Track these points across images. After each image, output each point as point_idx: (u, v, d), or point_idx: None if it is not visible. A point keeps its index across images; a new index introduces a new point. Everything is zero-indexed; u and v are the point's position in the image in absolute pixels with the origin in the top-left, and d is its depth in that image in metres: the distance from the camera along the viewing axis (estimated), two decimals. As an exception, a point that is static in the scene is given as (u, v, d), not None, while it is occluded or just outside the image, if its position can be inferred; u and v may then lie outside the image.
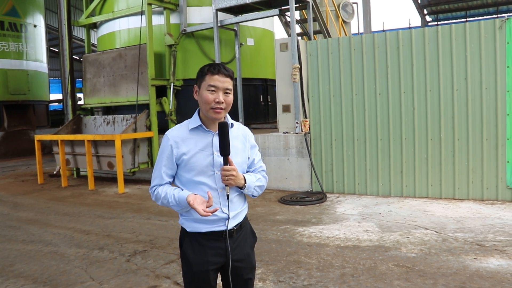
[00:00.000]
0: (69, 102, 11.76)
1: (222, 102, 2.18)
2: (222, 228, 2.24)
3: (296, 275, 4.17)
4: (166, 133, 2.29)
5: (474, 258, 4.36)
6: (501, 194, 6.62)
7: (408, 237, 5.13)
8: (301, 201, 7.21)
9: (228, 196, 2.20)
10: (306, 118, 8.13)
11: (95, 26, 12.24)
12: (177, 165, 2.27)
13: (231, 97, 2.23)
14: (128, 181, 9.89)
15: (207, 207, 2.09)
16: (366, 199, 7.28)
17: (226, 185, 2.17)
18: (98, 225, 6.41)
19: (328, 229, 5.65)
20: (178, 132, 2.27)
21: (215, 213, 2.20)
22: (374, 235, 5.28)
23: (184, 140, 2.24)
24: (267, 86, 12.36)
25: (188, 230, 2.28)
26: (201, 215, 2.09)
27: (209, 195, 2.12)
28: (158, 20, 10.35)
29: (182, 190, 2.22)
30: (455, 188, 6.90)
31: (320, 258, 4.58)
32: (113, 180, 10.25)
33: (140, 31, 9.75)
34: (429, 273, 4.05)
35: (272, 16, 9.87)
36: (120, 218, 6.76)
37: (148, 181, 9.98)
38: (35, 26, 19.16)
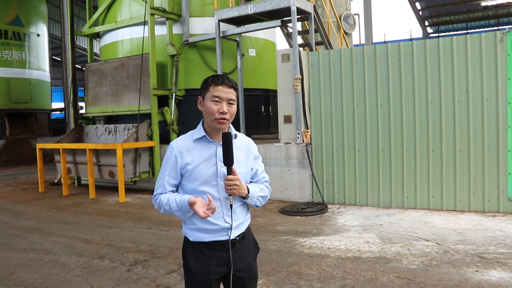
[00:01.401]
0: (71, 111, 11.82)
1: (226, 113, 2.20)
2: (225, 238, 2.25)
3: (297, 286, 4.15)
4: (171, 143, 2.31)
5: (476, 271, 4.35)
6: (503, 206, 6.61)
7: (409, 249, 5.12)
8: (302, 212, 7.20)
9: (231, 206, 2.21)
10: (308, 128, 8.15)
11: (98, 35, 12.33)
12: (181, 175, 2.29)
13: (234, 107, 2.26)
14: (129, 190, 9.88)
15: (207, 210, 2.11)
16: (367, 210, 7.27)
17: (229, 195, 2.19)
18: (99, 234, 6.41)
19: (329, 240, 5.64)
20: (182, 143, 2.29)
21: (217, 223, 2.23)
22: (375, 247, 5.27)
23: (188, 150, 2.26)
24: (268, 97, 12.41)
25: (191, 239, 2.29)
26: (202, 217, 2.11)
27: (209, 198, 2.13)
28: (161, 30, 10.43)
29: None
30: (456, 200, 6.89)
31: (321, 269, 4.57)
32: (114, 189, 10.25)
33: (143, 41, 9.82)
34: (430, 285, 4.04)
35: (274, 27, 9.97)
36: (121, 227, 6.76)
37: (149, 191, 9.98)
38: (38, 35, 19.31)
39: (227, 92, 2.21)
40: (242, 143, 2.38)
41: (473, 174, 6.77)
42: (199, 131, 2.29)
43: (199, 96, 2.30)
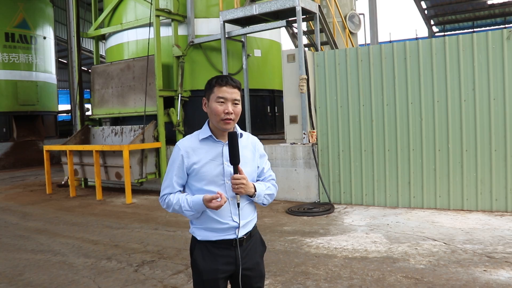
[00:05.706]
0: (78, 113, 11.86)
1: (232, 113, 2.22)
2: (233, 236, 2.27)
3: (304, 286, 4.15)
4: (177, 143, 2.33)
5: (484, 270, 4.32)
6: (511, 205, 6.56)
7: (416, 249, 5.09)
8: (309, 212, 7.19)
9: (238, 204, 2.22)
10: (314, 129, 8.14)
11: (103, 37, 12.38)
12: (188, 175, 2.30)
13: (239, 107, 2.27)
14: (135, 191, 9.91)
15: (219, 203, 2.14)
16: (374, 210, 7.25)
17: (236, 194, 2.20)
18: (106, 235, 6.43)
19: (336, 240, 5.63)
20: (189, 143, 2.31)
21: (225, 221, 2.25)
22: (382, 246, 5.25)
23: (195, 150, 2.27)
24: (274, 97, 12.40)
25: (198, 238, 2.31)
26: (215, 207, 2.14)
27: (219, 194, 2.14)
28: (166, 32, 10.46)
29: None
30: (463, 199, 6.86)
31: (328, 269, 4.57)
32: (120, 190, 10.29)
33: (148, 43, 9.85)
34: (438, 285, 4.02)
35: (279, 27, 9.96)
36: (128, 228, 6.78)
37: (155, 192, 10.00)
38: (44, 38, 19.42)
39: (231, 93, 2.23)
40: (248, 141, 2.39)
41: (480, 173, 6.73)
42: (205, 131, 2.30)
43: (204, 98, 2.32)
